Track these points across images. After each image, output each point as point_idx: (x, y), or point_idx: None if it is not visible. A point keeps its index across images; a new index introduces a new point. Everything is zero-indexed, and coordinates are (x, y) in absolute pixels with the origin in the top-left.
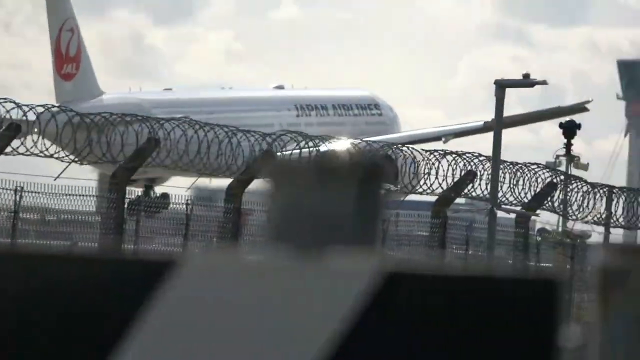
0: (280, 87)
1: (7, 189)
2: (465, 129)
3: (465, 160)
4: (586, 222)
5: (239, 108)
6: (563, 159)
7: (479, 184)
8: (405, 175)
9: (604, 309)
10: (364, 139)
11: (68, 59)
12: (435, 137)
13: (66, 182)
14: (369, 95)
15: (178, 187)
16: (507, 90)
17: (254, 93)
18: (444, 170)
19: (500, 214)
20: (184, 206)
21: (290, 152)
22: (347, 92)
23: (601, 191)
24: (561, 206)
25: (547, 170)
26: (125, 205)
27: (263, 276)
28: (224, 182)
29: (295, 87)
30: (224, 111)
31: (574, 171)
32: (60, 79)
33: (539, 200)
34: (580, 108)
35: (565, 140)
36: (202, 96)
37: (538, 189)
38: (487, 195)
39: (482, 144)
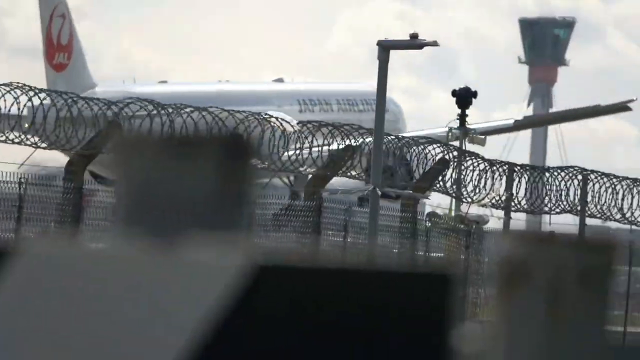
0: (280, 80)
1: None
2: (494, 127)
3: (343, 133)
4: (483, 205)
5: (239, 102)
6: (457, 132)
7: (359, 161)
8: (415, 173)
9: (506, 306)
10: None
11: (60, 47)
12: None
13: None
14: (373, 90)
15: (9, 163)
16: (392, 52)
17: (253, 87)
18: (318, 145)
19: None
20: (16, 185)
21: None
22: (351, 85)
23: (500, 169)
24: (454, 187)
25: (438, 145)
26: None
27: (108, 268)
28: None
29: (295, 81)
30: (223, 105)
31: (469, 146)
32: (52, 70)
33: (428, 180)
34: (622, 107)
35: (459, 111)
36: (198, 89)
37: (427, 167)
38: (369, 174)
39: (511, 143)
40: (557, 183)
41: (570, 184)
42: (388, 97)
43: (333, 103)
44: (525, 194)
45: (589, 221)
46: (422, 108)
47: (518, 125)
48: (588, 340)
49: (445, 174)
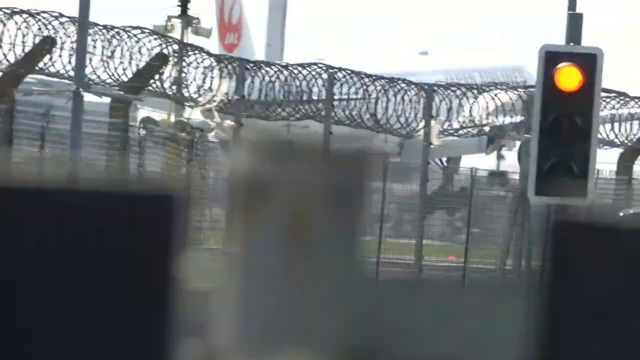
0: (424, 54)
1: None
2: None
3: (40, 22)
4: (208, 110)
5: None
6: (177, 22)
7: (60, 56)
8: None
9: (239, 232)
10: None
11: (231, 27)
12: None
13: None
14: (517, 64)
15: None
16: None
17: (399, 65)
18: (11, 37)
19: (90, 98)
20: None
21: None
22: (495, 60)
23: (230, 67)
24: (174, 87)
25: (155, 37)
26: None
27: None
28: None
29: (437, 54)
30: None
31: (194, 39)
32: (224, 50)
33: (143, 79)
34: None
35: None
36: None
37: (142, 64)
38: (72, 72)
39: None
40: (298, 83)
41: (313, 84)
42: (530, 72)
43: (476, 77)
44: (260, 95)
45: (336, 129)
46: None
47: None
48: (338, 272)
49: (163, 72)
